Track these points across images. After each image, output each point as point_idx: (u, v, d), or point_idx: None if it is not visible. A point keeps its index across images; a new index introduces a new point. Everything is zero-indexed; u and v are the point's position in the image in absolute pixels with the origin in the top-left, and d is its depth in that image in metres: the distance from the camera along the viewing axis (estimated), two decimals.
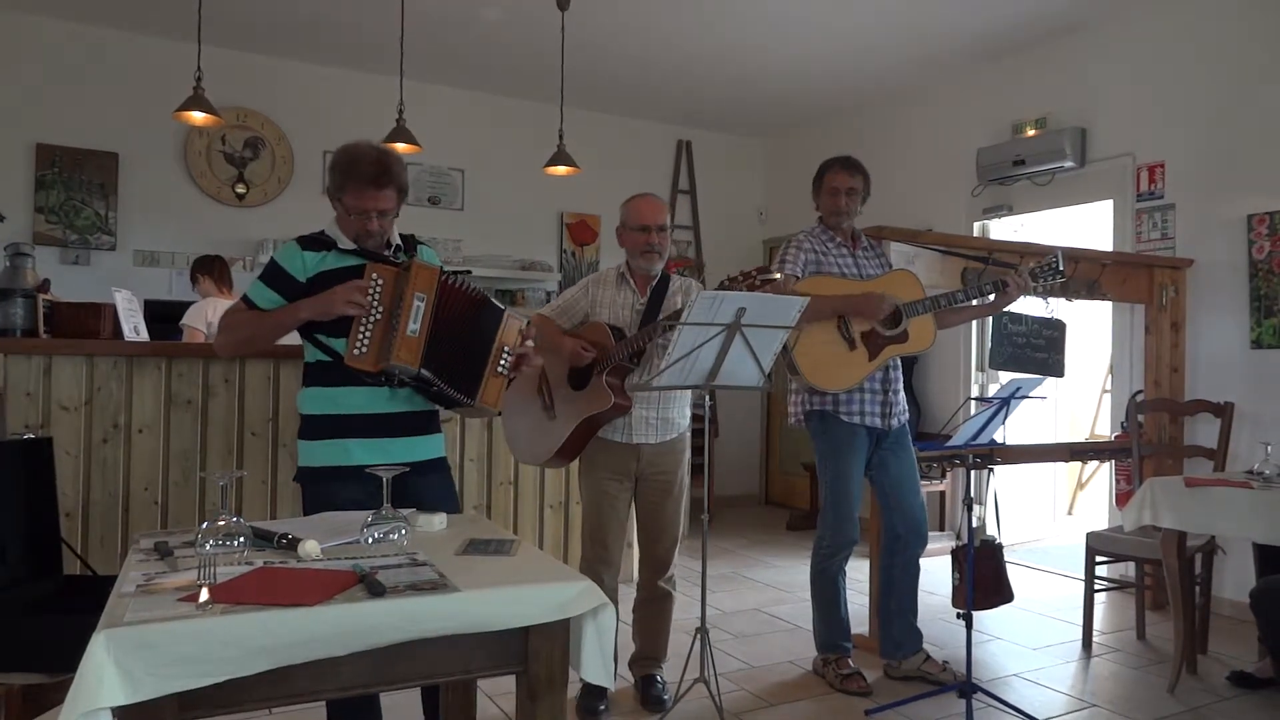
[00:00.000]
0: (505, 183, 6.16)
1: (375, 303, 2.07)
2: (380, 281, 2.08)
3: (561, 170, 4.88)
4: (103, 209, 5.14)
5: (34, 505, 2.19)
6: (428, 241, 2.45)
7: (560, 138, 4.84)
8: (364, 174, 2.11)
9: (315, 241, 2.19)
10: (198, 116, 4.03)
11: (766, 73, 5.76)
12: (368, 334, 2.06)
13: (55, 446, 2.38)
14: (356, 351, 2.06)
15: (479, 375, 2.17)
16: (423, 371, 2.09)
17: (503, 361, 2.19)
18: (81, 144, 5.08)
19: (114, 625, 1.26)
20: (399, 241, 2.26)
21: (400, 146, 4.49)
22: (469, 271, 2.37)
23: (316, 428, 2.18)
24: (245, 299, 2.21)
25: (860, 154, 3.25)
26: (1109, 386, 5.32)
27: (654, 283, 2.90)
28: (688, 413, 3.02)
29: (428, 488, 2.20)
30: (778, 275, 2.55)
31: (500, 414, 2.36)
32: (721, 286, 2.47)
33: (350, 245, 2.18)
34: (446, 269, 2.19)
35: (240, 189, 5.49)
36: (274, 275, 2.17)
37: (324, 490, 2.15)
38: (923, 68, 5.60)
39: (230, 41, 5.21)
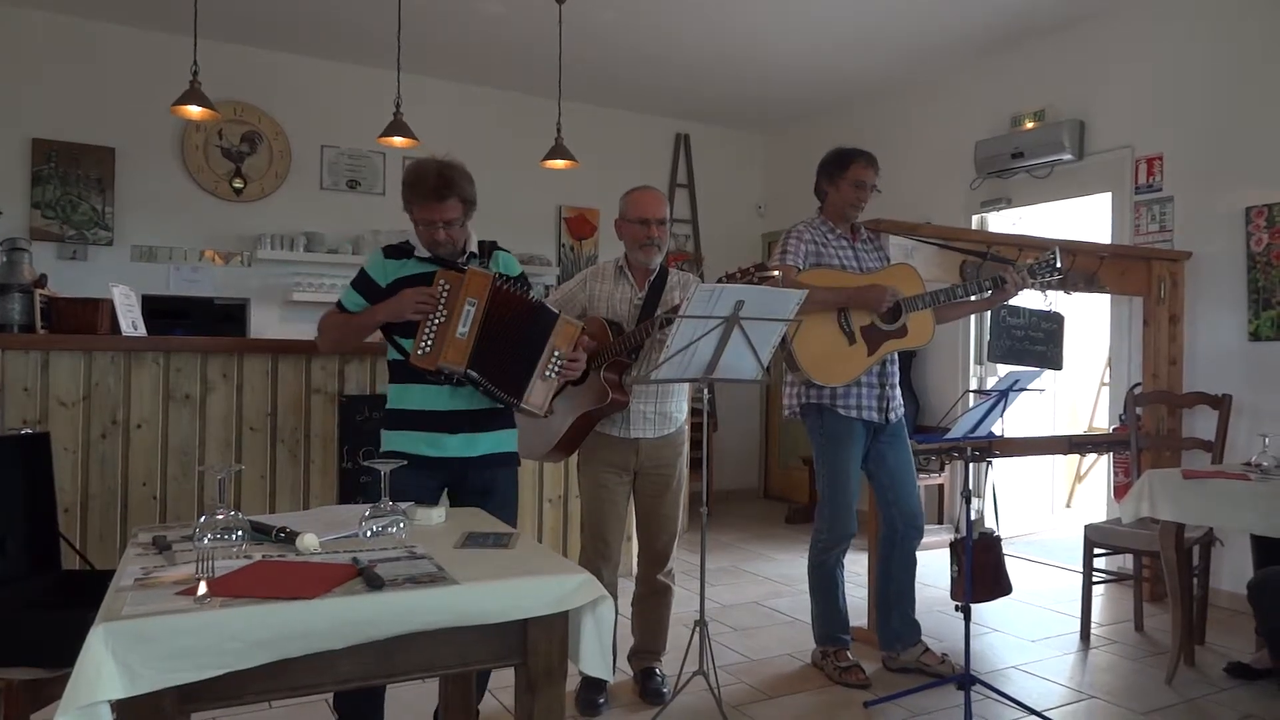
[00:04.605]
0: (503, 177, 6.14)
1: (442, 306, 2.26)
2: (447, 286, 2.27)
3: (560, 164, 4.87)
4: (100, 204, 5.13)
5: (32, 501, 2.19)
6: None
7: (559, 131, 4.83)
8: (426, 189, 2.31)
9: (397, 250, 2.43)
10: (195, 111, 4.01)
11: (765, 66, 5.75)
12: (431, 335, 2.25)
13: (53, 442, 2.38)
14: (420, 351, 2.25)
15: (527, 377, 2.30)
16: (469, 372, 2.25)
17: (552, 365, 2.31)
18: (78, 139, 5.06)
19: (112, 618, 1.26)
20: (474, 248, 2.46)
21: (398, 141, 4.49)
22: (524, 277, 2.48)
23: (391, 420, 2.42)
24: (338, 302, 2.46)
25: (859, 146, 3.24)
26: (1107, 379, 5.33)
27: (652, 277, 2.90)
28: (685, 407, 3.02)
29: (491, 481, 2.41)
30: (776, 273, 2.57)
31: (549, 415, 2.44)
32: (719, 283, 2.47)
33: (426, 253, 2.40)
34: (506, 274, 2.37)
35: (238, 183, 5.47)
36: (361, 281, 2.43)
37: (392, 478, 2.21)
38: (921, 60, 5.59)
39: (227, 35, 5.19)
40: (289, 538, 1.66)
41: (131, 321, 3.54)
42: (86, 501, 3.29)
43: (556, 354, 2.31)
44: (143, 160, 5.24)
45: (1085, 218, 5.24)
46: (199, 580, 1.41)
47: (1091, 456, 6.08)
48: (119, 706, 1.24)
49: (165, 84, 4.45)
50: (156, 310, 4.41)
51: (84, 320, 3.41)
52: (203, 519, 1.65)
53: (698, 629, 2.66)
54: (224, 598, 1.35)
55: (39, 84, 4.99)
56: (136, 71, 5.15)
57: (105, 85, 5.12)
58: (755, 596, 4.24)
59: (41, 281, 3.49)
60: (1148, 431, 4.16)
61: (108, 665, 1.22)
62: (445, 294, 2.26)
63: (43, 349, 3.23)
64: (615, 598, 2.80)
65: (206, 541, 1.60)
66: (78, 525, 3.25)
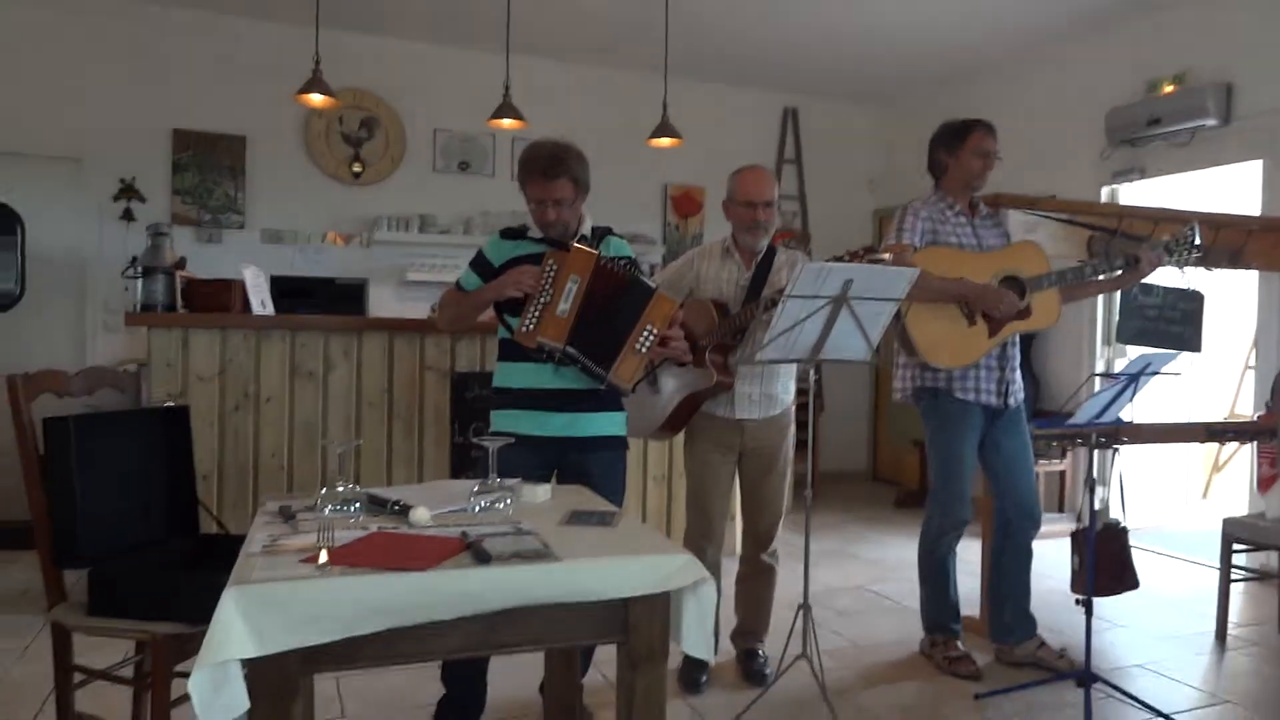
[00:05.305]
0: (609, 154, 6.13)
1: (548, 285, 2.27)
2: (555, 266, 2.28)
3: (665, 142, 4.85)
4: (232, 190, 5.43)
5: (174, 468, 2.35)
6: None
7: (664, 108, 4.80)
8: (538, 167, 2.35)
9: (513, 232, 2.49)
10: (316, 99, 4.19)
11: (876, 35, 5.55)
12: (536, 312, 2.26)
13: (193, 414, 2.54)
14: (524, 328, 2.28)
15: (616, 350, 2.27)
16: (568, 349, 2.27)
17: (643, 339, 2.27)
18: (214, 128, 5.37)
19: (242, 582, 1.34)
20: (587, 232, 2.47)
21: (506, 123, 4.57)
22: (634, 261, 2.48)
23: (498, 398, 2.49)
24: (457, 281, 2.55)
25: (976, 117, 3.08)
26: (1253, 362, 4.94)
27: (759, 256, 2.86)
28: (792, 388, 2.97)
29: (594, 463, 2.39)
30: (886, 256, 2.50)
31: (633, 391, 2.41)
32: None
33: (539, 235, 2.43)
34: (614, 255, 2.37)
35: (356, 168, 5.69)
36: (478, 261, 2.51)
37: (499, 455, 2.27)
38: (1044, 25, 5.26)
39: (344, 23, 5.37)
40: (403, 510, 1.73)
41: (261, 300, 3.74)
42: (222, 470, 3.51)
43: (649, 328, 2.27)
44: (271, 147, 5.51)
45: (1231, 187, 4.85)
46: (320, 549, 1.48)
47: (1232, 445, 5.66)
48: (249, 665, 1.32)
49: (290, 74, 4.66)
50: (283, 290, 4.63)
51: (219, 300, 3.63)
52: (324, 491, 1.73)
53: (801, 611, 2.63)
54: (342, 566, 1.41)
55: (180, 78, 5.30)
56: (263, 62, 5.40)
57: (237, 77, 5.40)
58: (861, 581, 4.16)
59: (181, 264, 3.73)
60: None
61: (238, 626, 1.30)
62: (552, 273, 2.27)
63: (183, 327, 3.46)
64: (719, 577, 2.79)
65: (327, 512, 1.68)
66: (214, 492, 3.48)
